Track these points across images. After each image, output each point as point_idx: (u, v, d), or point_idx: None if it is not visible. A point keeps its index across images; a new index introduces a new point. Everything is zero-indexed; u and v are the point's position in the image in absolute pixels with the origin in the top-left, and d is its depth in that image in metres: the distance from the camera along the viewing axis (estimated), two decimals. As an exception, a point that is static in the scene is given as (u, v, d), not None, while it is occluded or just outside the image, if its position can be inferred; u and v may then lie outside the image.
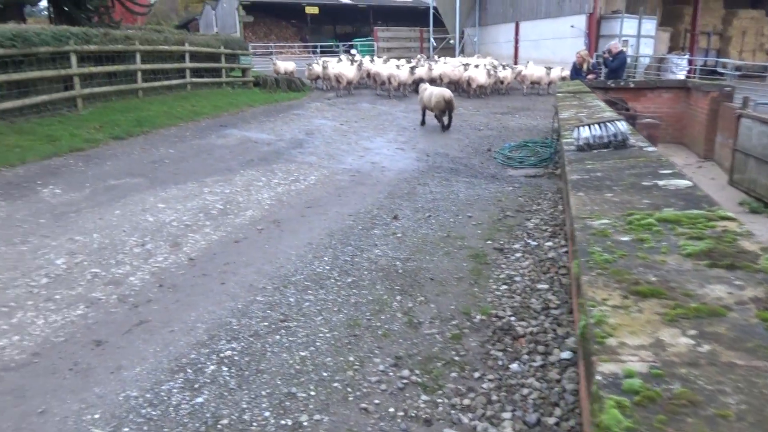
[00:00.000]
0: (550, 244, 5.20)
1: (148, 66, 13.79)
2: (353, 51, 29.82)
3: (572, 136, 4.67)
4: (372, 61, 22.40)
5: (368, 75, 20.05)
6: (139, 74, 13.46)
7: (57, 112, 10.91)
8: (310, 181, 7.76)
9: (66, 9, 16.85)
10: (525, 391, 3.05)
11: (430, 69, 19.06)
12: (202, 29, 38.58)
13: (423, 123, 12.58)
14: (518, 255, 4.93)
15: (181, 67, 15.26)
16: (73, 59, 11.24)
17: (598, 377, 1.40)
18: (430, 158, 9.30)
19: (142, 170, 8.18)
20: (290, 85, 19.31)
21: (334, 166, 8.70)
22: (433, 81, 18.42)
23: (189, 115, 12.85)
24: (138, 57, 13.37)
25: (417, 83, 17.07)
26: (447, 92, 11.67)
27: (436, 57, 25.00)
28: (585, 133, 4.36)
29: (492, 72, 18.48)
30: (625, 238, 2.30)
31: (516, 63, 26.10)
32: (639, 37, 22.73)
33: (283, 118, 13.53)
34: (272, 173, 8.14)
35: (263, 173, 8.12)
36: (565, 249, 4.99)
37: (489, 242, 5.27)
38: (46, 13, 22.14)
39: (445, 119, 12.02)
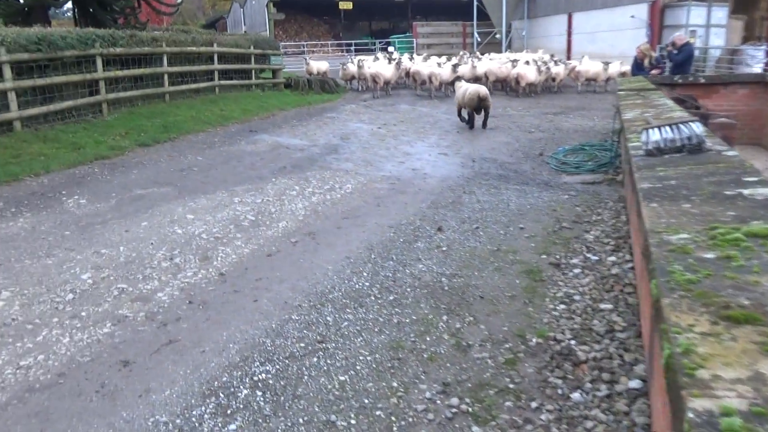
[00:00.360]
0: (613, 258, 5.06)
1: (175, 68, 14.18)
2: (390, 48, 29.97)
3: (640, 140, 4.55)
4: (411, 59, 22.45)
5: (407, 74, 20.13)
6: (166, 77, 13.84)
7: (82, 118, 11.31)
8: (347, 189, 7.81)
9: (91, 10, 17.50)
10: (589, 424, 2.96)
11: (474, 66, 18.97)
12: (230, 28, 39.53)
13: (470, 126, 12.58)
14: (577, 271, 4.83)
15: (209, 69, 15.64)
16: (99, 63, 11.65)
17: (690, 415, 1.33)
18: (477, 164, 9.24)
19: (169, 179, 8.38)
20: (323, 86, 19.56)
21: (372, 174, 8.72)
22: (477, 79, 18.34)
23: (217, 120, 13.14)
24: (165, 59, 13.76)
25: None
26: (482, 89, 11.99)
27: (478, 53, 24.87)
28: (655, 136, 4.23)
29: (543, 68, 18.29)
30: (709, 256, 2.20)
31: (569, 58, 25.75)
32: (708, 27, 22.12)
33: (317, 122, 13.69)
34: (306, 181, 8.22)
35: (296, 181, 8.21)
36: (630, 264, 4.85)
37: (544, 256, 5.19)
38: (69, 14, 23.06)
39: (480, 117, 12.32)
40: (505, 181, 8.14)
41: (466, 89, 12.27)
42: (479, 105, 11.95)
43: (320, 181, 8.26)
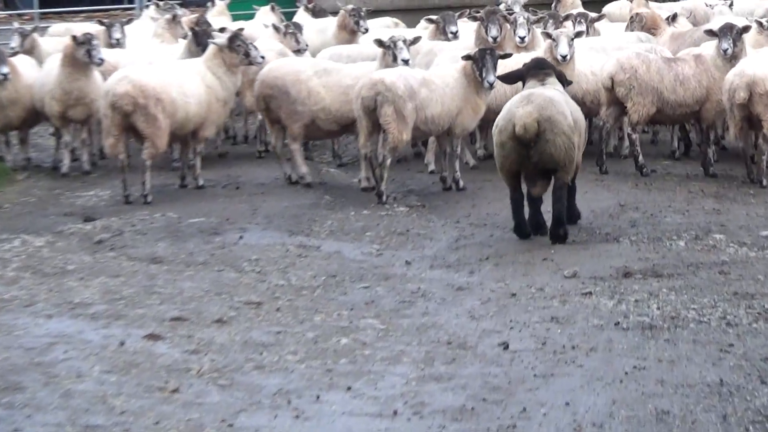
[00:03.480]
0: None
1: None
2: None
3: None
4: (298, 43, 8.72)
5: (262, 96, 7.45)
6: None
7: None
8: None
9: None
10: None
11: (560, 59, 7.07)
12: None
13: (516, 229, 5.78)
14: None
15: None
16: None
17: None
18: None
19: None
20: None
21: None
22: (585, 107, 7.14)
23: None
24: None
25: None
26: (526, 111, 5.39)
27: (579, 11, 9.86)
28: None
29: None
30: None
31: None
32: None
33: None
34: None
35: None
36: None
37: None
38: None
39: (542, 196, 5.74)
40: None
41: (499, 117, 5.83)
42: (521, 154, 5.48)
43: None
